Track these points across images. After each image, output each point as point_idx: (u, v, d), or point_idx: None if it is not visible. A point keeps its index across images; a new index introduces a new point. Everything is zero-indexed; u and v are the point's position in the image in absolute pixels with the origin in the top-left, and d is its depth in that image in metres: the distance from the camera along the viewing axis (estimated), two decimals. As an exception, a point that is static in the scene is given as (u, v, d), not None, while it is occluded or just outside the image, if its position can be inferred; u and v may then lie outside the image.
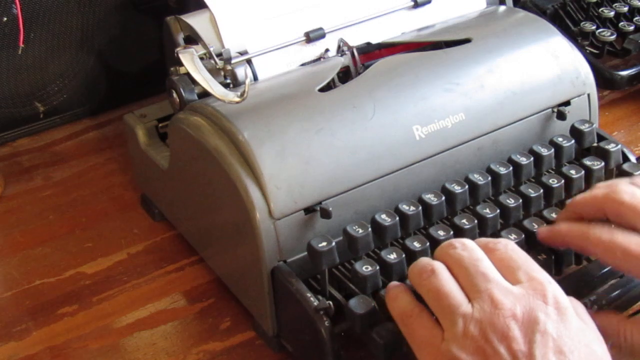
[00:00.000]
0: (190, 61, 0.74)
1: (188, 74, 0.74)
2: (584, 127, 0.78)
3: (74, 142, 1.00)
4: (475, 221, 0.68)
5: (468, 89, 0.75)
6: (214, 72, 0.74)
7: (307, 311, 0.63)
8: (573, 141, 0.77)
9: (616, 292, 0.69)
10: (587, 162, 0.76)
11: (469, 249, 0.59)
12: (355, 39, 0.81)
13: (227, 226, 0.72)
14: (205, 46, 0.75)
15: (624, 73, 1.01)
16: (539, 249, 0.69)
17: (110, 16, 0.97)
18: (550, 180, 0.73)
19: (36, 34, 0.93)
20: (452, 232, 0.67)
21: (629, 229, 0.62)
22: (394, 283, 0.63)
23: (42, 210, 0.89)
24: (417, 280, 0.59)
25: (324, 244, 0.64)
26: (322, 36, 0.79)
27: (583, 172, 0.74)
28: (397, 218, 0.67)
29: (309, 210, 0.67)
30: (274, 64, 0.77)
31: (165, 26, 0.78)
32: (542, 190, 0.72)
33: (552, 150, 0.76)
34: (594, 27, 1.01)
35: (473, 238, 0.68)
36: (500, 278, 0.57)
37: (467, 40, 0.79)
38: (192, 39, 0.77)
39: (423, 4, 0.84)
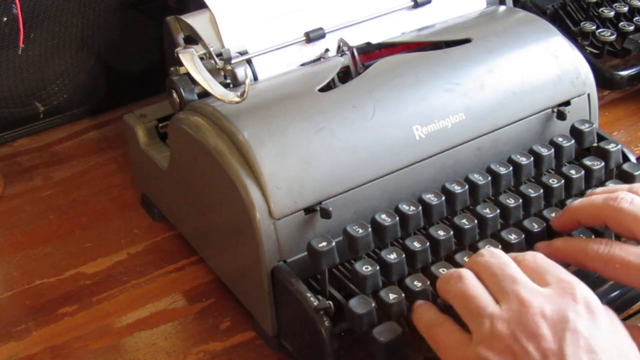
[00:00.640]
0: (190, 61, 0.74)
1: (188, 74, 0.74)
2: (584, 127, 0.78)
3: (74, 142, 1.00)
4: (475, 221, 0.68)
5: (468, 89, 0.75)
6: (214, 72, 0.74)
7: (307, 311, 0.63)
8: (573, 141, 0.77)
9: (616, 292, 0.69)
10: (587, 162, 0.76)
11: (497, 256, 0.59)
12: (355, 39, 0.80)
13: (227, 226, 0.72)
14: (205, 46, 0.75)
15: (624, 73, 1.01)
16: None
17: (110, 16, 0.97)
18: (550, 180, 0.73)
19: (36, 34, 0.93)
20: (452, 232, 0.67)
21: (628, 236, 0.62)
22: (419, 301, 0.62)
23: (42, 210, 0.89)
24: (445, 287, 0.59)
25: (324, 244, 0.64)
26: (322, 36, 0.79)
27: (583, 172, 0.74)
28: (397, 218, 0.67)
29: (309, 210, 0.67)
30: (274, 64, 0.77)
31: (165, 26, 0.78)
32: (542, 190, 0.72)
33: (552, 150, 0.75)
34: (594, 27, 1.01)
35: (473, 238, 0.69)
36: (528, 280, 0.57)
37: (467, 40, 0.79)
38: (192, 39, 0.77)
39: (423, 4, 0.84)
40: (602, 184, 0.76)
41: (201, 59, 0.75)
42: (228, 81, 0.75)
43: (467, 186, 0.71)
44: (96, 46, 0.98)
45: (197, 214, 0.77)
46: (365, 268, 0.64)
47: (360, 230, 0.65)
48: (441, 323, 0.58)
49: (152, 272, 0.80)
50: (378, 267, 0.64)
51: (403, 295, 0.62)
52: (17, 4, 0.88)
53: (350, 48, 0.79)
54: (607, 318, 0.55)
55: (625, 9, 1.03)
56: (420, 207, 0.68)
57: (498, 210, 0.70)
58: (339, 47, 0.80)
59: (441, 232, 0.67)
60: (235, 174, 0.67)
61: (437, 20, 0.85)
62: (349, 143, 0.69)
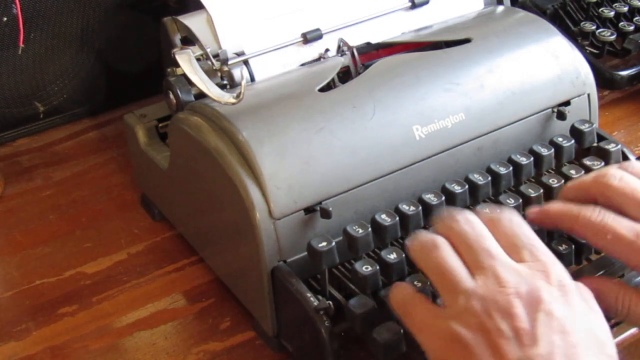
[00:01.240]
0: (187, 62, 0.74)
1: (185, 75, 0.74)
2: (584, 127, 0.78)
3: (74, 142, 1.00)
4: (475, 221, 0.68)
5: (468, 89, 0.75)
6: (210, 73, 0.74)
7: (307, 311, 0.63)
8: (573, 141, 0.77)
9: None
10: (587, 162, 0.76)
11: (473, 223, 0.58)
12: (353, 39, 0.80)
13: (227, 226, 0.72)
14: (202, 47, 0.75)
15: (624, 73, 1.01)
16: (560, 240, 0.68)
17: (110, 16, 0.97)
18: (550, 180, 0.73)
19: (36, 34, 0.93)
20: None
21: (617, 212, 0.61)
22: (397, 282, 0.62)
23: (42, 210, 0.89)
24: (419, 255, 0.59)
25: (324, 244, 0.64)
26: (319, 37, 0.79)
27: (583, 172, 0.74)
28: (397, 218, 0.67)
29: (309, 210, 0.67)
30: (271, 65, 0.77)
31: (162, 27, 0.78)
32: (542, 190, 0.72)
33: (552, 150, 0.76)
34: (594, 27, 1.01)
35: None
36: (505, 255, 0.56)
37: (467, 40, 0.79)
38: (189, 39, 0.77)
39: (420, 5, 0.84)
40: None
41: (198, 60, 0.75)
42: (225, 82, 0.75)
43: (467, 186, 0.71)
44: (96, 46, 0.98)
45: (197, 214, 0.77)
46: (365, 268, 0.64)
47: (360, 230, 0.65)
48: (416, 300, 0.58)
49: (152, 272, 0.80)
50: (378, 267, 0.64)
51: (403, 295, 0.62)
52: (17, 4, 0.88)
53: (350, 48, 0.79)
54: (581, 298, 0.55)
55: (625, 9, 1.03)
56: (420, 207, 0.68)
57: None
58: (339, 47, 0.80)
59: (441, 232, 0.67)
60: (235, 174, 0.67)
61: (434, 21, 0.85)
62: (349, 143, 0.69)
